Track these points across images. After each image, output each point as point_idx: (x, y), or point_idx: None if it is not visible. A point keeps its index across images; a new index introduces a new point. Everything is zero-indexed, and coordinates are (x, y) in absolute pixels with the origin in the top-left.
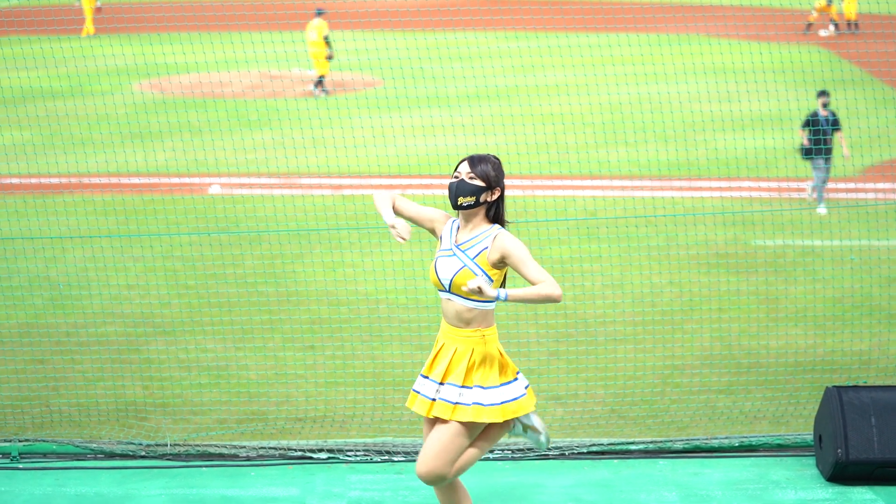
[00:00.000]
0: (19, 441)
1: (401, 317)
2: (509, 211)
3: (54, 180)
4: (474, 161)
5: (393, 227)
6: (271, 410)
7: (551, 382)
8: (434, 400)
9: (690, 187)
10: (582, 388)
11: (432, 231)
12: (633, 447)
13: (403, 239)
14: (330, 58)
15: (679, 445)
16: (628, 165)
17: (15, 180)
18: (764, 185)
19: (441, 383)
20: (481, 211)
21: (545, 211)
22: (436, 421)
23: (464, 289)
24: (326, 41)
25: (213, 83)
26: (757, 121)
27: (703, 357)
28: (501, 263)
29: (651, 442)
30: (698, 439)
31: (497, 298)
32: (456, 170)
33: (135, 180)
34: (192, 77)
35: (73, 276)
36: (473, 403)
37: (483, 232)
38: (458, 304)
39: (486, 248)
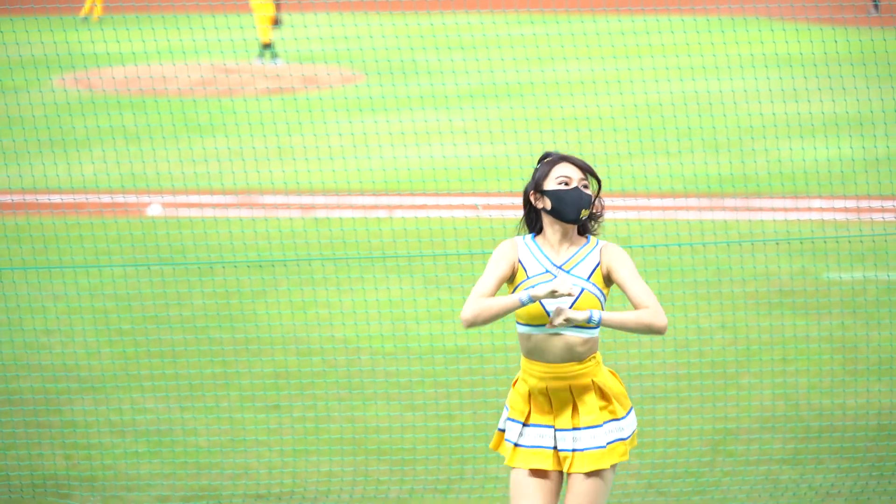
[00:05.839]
0: None
1: (387, 369)
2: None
3: None
4: (581, 165)
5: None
6: (226, 485)
7: None
8: (574, 451)
9: (747, 207)
10: None
11: (511, 274)
12: None
13: (570, 293)
14: (277, 22)
15: None
16: (670, 180)
17: None
18: (839, 204)
19: (574, 429)
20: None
21: None
22: (550, 477)
23: (556, 322)
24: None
25: (152, 78)
26: (830, 125)
27: (763, 419)
28: (608, 280)
29: None
30: None
31: (590, 321)
32: (552, 176)
33: (55, 198)
34: (126, 70)
35: None
36: (633, 432)
37: (584, 246)
38: (571, 337)
39: (598, 263)
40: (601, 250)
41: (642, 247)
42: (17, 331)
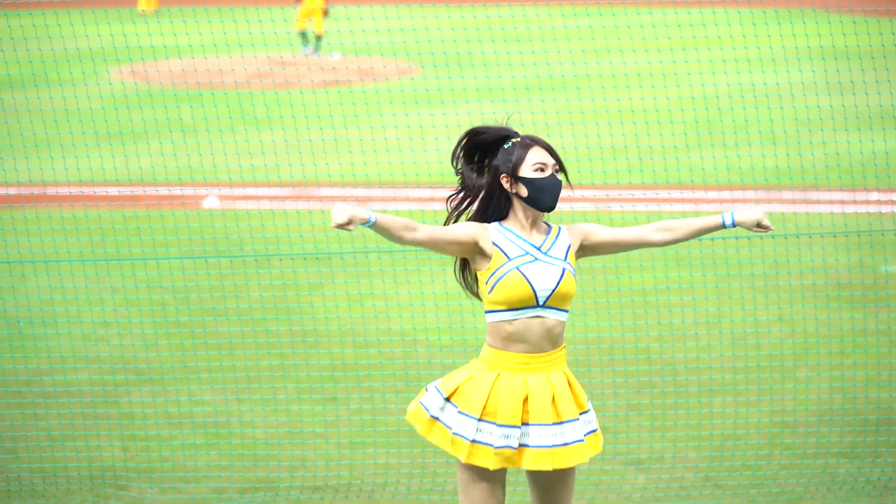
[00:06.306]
0: None
1: (443, 361)
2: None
3: (11, 191)
4: (552, 151)
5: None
6: (283, 477)
7: (631, 443)
8: (560, 446)
9: (804, 200)
10: (669, 450)
11: (476, 251)
12: None
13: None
14: (327, 14)
15: None
16: (727, 173)
17: None
18: None
19: (556, 423)
20: None
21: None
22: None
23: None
24: None
25: (209, 71)
26: (888, 117)
27: (821, 412)
28: (579, 255)
29: None
30: None
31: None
32: (528, 161)
33: (112, 191)
34: (182, 63)
35: (36, 311)
36: (594, 430)
37: (550, 230)
38: (553, 318)
39: (569, 245)
40: (567, 231)
41: (699, 239)
42: (75, 323)
